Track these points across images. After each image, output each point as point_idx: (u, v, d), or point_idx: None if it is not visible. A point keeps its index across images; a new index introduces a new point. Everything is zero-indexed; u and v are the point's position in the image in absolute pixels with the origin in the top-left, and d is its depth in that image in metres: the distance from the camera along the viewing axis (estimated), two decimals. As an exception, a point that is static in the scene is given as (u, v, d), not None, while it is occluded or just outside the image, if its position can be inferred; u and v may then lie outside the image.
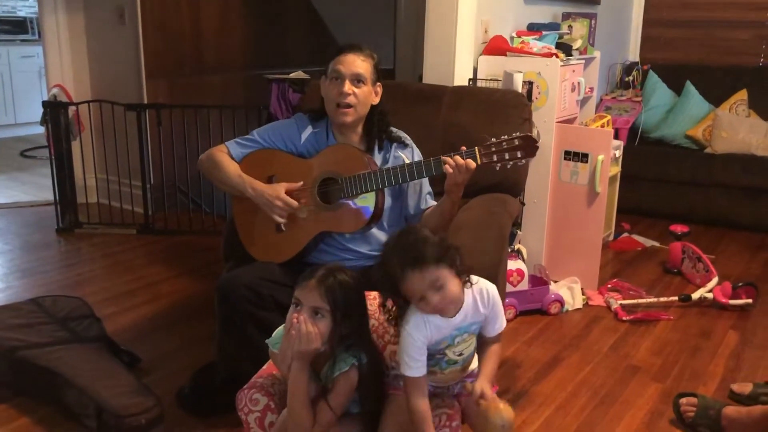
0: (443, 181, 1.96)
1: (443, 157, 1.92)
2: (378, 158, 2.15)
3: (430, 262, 1.49)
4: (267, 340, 1.68)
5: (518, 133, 1.92)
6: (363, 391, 1.60)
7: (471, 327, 1.62)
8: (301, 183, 2.10)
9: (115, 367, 2.32)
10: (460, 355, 1.64)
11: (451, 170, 1.90)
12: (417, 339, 1.55)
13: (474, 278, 1.61)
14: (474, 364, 1.72)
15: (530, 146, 1.92)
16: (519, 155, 1.91)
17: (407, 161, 2.14)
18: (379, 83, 2.13)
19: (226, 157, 2.19)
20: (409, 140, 2.22)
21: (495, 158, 1.92)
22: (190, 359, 2.51)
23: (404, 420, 1.62)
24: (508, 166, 1.94)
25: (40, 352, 2.32)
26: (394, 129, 2.21)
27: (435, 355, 1.62)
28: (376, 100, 2.14)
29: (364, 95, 2.08)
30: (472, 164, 1.91)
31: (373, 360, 1.61)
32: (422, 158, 2.19)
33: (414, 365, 1.56)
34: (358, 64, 2.06)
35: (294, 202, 2.07)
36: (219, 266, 2.31)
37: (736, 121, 4.41)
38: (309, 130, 2.20)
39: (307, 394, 1.55)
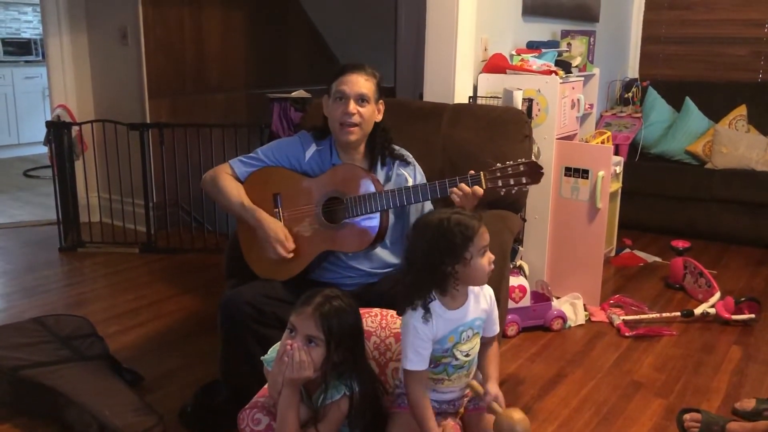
0: (445, 200, 1.98)
1: (449, 186, 1.95)
2: (381, 175, 2.17)
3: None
4: (262, 358, 1.69)
5: (523, 159, 1.96)
6: (353, 419, 1.61)
7: (475, 322, 1.67)
8: (294, 246, 2.10)
9: (118, 386, 2.33)
10: (467, 356, 1.67)
11: (458, 199, 1.93)
12: (422, 332, 1.59)
13: None
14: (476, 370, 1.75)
15: (535, 172, 1.95)
16: (524, 181, 1.95)
17: (410, 180, 2.16)
18: (381, 101, 2.15)
19: (229, 180, 2.19)
20: (411, 158, 2.23)
21: (500, 183, 1.96)
22: (193, 378, 2.51)
23: None
24: (513, 192, 1.97)
25: (43, 370, 2.33)
26: (396, 147, 2.22)
27: (442, 359, 1.64)
28: (379, 118, 2.16)
29: (368, 114, 2.10)
30: (480, 191, 1.95)
31: (367, 387, 1.62)
32: (424, 177, 2.21)
33: (416, 359, 1.60)
34: (362, 83, 2.08)
35: (286, 255, 2.07)
36: (221, 284, 2.32)
37: (736, 137, 4.43)
38: (313, 148, 2.21)
39: (297, 421, 1.56)
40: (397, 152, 2.21)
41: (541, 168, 1.97)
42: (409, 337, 1.60)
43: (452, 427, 1.65)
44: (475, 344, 1.69)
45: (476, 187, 1.95)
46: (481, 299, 1.70)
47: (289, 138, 2.31)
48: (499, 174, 1.95)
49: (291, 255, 2.09)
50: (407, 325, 1.61)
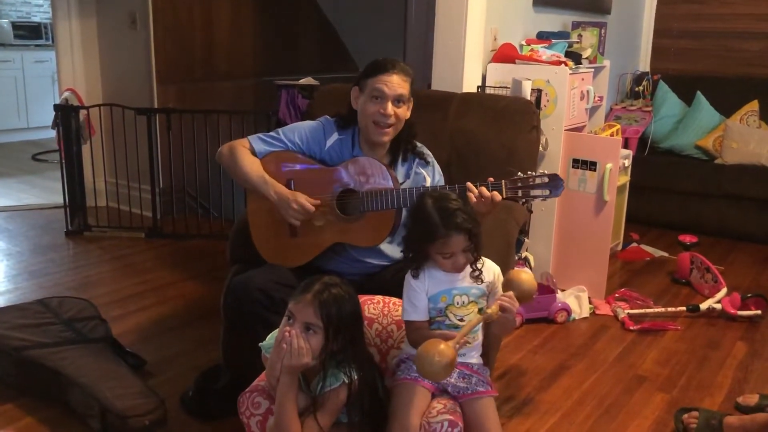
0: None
1: (469, 184, 1.91)
2: (400, 170, 2.14)
3: (469, 230, 1.68)
4: (260, 344, 1.67)
5: (545, 171, 1.94)
6: (351, 406, 1.60)
7: (470, 290, 1.73)
8: (319, 202, 2.07)
9: (120, 369, 2.33)
10: (461, 320, 1.71)
11: (475, 200, 1.89)
12: (414, 284, 1.72)
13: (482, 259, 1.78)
14: (479, 338, 1.80)
15: (556, 186, 1.94)
16: (544, 193, 1.94)
17: (428, 179, 2.13)
18: (411, 98, 2.11)
19: (248, 154, 2.16)
20: (431, 158, 2.20)
21: (520, 194, 1.94)
22: (195, 362, 2.51)
23: (412, 401, 1.66)
24: (532, 202, 1.95)
25: (46, 352, 2.34)
26: (418, 144, 2.19)
27: (436, 318, 1.72)
28: (408, 115, 2.12)
29: (403, 114, 2.07)
30: (498, 197, 1.90)
31: (365, 375, 1.61)
32: (443, 177, 2.19)
33: (411, 309, 1.72)
34: (401, 84, 2.04)
35: (311, 207, 2.04)
36: (226, 270, 2.32)
37: (747, 132, 4.39)
38: (335, 136, 2.17)
39: (295, 408, 1.55)
40: (419, 149, 2.18)
41: (563, 181, 1.95)
42: (405, 291, 1.74)
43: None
44: (472, 312, 1.71)
45: (495, 193, 1.90)
46: (485, 273, 1.75)
47: (311, 122, 2.24)
48: (520, 184, 1.93)
49: (318, 209, 2.04)
50: (405, 281, 1.74)
